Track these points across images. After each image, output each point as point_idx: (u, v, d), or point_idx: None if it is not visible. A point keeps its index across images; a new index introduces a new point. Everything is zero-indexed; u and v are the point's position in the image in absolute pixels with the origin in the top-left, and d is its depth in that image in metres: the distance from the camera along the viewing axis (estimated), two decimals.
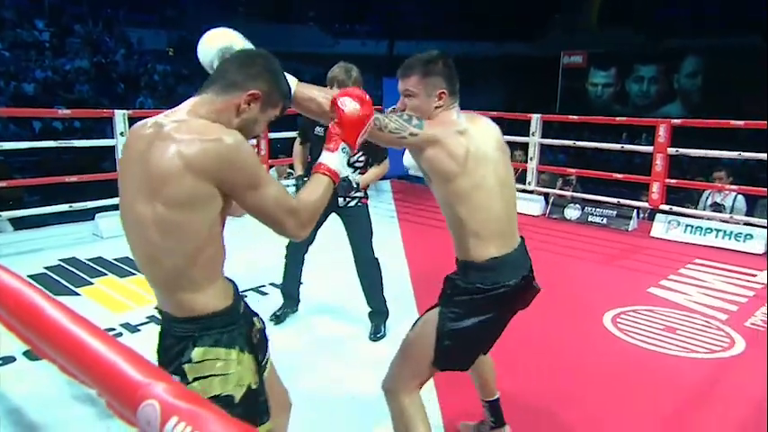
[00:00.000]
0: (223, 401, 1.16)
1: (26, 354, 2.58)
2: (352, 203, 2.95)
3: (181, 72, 15.57)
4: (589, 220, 5.45)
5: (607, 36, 15.04)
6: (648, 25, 14.82)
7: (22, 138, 8.99)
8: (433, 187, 1.71)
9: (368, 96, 1.41)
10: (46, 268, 3.90)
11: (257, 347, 1.33)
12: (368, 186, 2.99)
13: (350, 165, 2.93)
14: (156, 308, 1.29)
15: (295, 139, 3.16)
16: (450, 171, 1.60)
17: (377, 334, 2.94)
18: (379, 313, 2.99)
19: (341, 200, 2.89)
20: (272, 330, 2.90)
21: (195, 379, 1.15)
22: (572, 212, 5.58)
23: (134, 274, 3.68)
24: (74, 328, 0.51)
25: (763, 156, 5.02)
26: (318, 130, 2.87)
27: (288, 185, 3.99)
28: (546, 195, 5.88)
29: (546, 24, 16.87)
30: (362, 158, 2.95)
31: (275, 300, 3.24)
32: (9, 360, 2.57)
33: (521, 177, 6.06)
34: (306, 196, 1.30)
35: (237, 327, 1.25)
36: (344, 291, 3.30)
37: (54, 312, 0.55)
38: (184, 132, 1.16)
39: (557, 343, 2.94)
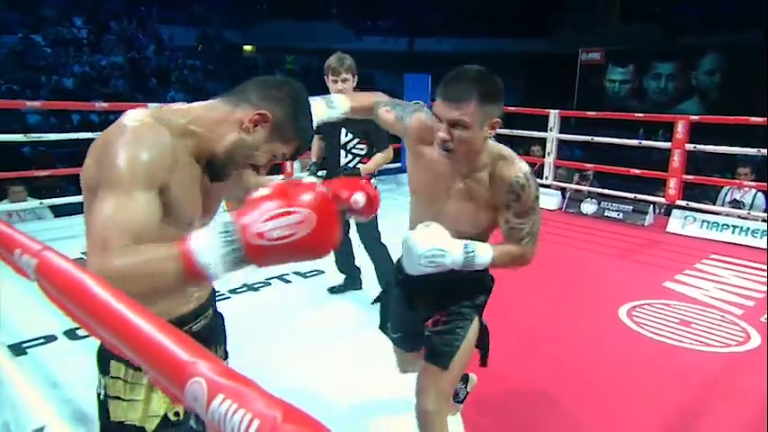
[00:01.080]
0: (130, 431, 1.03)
1: (66, 333, 2.66)
2: None
3: (207, 67, 15.70)
4: (605, 214, 5.39)
5: (625, 33, 14.75)
6: (667, 22, 14.50)
7: (62, 130, 9.17)
8: (472, 213, 1.52)
9: (310, 192, 0.83)
10: (82, 253, 3.99)
11: None
12: (371, 176, 2.92)
13: (348, 152, 2.94)
14: None
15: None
16: None
17: (334, 290, 3.22)
18: (347, 280, 3.26)
19: None
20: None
21: (107, 396, 1.04)
22: (588, 207, 5.52)
23: None
24: (122, 307, 0.52)
25: None
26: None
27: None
28: (563, 190, 5.83)
29: (564, 21, 16.60)
30: (362, 146, 2.93)
31: (298, 288, 3.28)
32: (51, 339, 2.65)
33: (538, 172, 6.01)
34: (131, 254, 0.81)
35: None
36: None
37: (103, 293, 0.56)
38: (129, 118, 0.97)
39: (572, 334, 2.93)
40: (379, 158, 2.95)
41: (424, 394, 1.58)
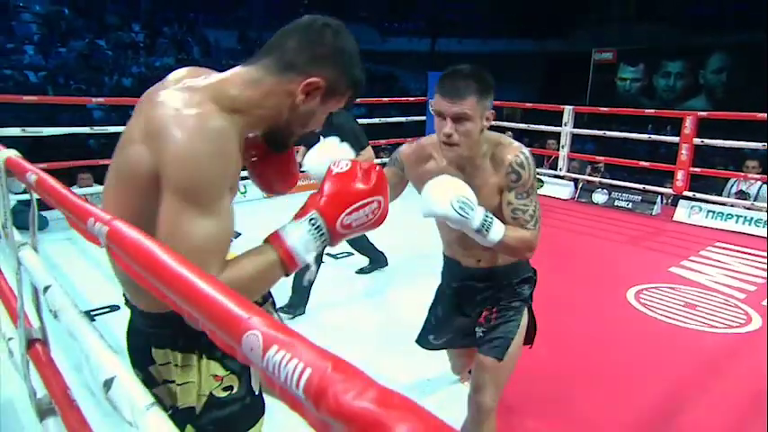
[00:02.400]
0: (184, 414, 0.92)
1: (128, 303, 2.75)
2: None
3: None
4: (615, 204, 5.27)
5: (636, 34, 14.27)
6: (677, 23, 13.99)
7: (122, 123, 9.37)
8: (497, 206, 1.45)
9: (378, 172, 0.87)
10: None
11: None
12: None
13: None
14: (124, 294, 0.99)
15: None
16: None
17: (363, 270, 3.31)
18: (372, 260, 3.31)
19: None
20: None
21: (165, 381, 0.92)
22: (599, 197, 5.40)
23: None
24: (185, 271, 0.54)
25: None
26: None
27: None
28: (575, 181, 5.72)
29: (579, 23, 16.15)
30: None
31: (331, 269, 3.30)
32: (115, 308, 2.74)
33: (553, 164, 5.90)
34: (234, 271, 0.78)
35: (175, 329, 0.87)
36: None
37: (167, 257, 0.58)
38: (171, 98, 0.81)
39: (583, 314, 2.89)
40: (360, 160, 2.85)
41: (481, 390, 1.49)
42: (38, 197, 1.18)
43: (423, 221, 1.42)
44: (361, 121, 7.30)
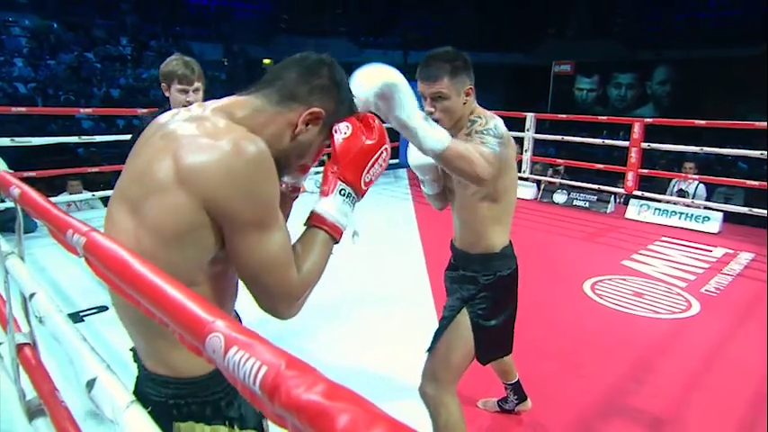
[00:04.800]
0: None
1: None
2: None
3: (232, 79, 15.61)
4: (574, 203, 5.39)
5: (591, 48, 14.65)
6: (626, 39, 14.44)
7: (110, 133, 9.17)
8: (465, 185, 1.39)
9: (377, 121, 0.88)
10: None
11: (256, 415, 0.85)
12: None
13: None
14: (132, 350, 0.86)
15: None
16: (508, 166, 1.38)
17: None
18: None
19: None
20: None
21: None
22: (559, 197, 5.51)
23: None
24: (156, 279, 0.54)
25: (720, 150, 4.90)
26: None
27: None
28: (538, 182, 5.82)
29: (540, 38, 16.47)
30: None
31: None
32: (103, 309, 2.67)
33: (517, 167, 5.99)
34: (307, 264, 0.78)
35: (226, 394, 0.80)
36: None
37: (140, 266, 0.58)
38: (193, 130, 0.73)
39: (544, 305, 2.95)
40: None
41: (423, 378, 1.49)
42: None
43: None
44: None
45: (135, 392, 0.82)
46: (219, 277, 0.77)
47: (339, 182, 0.83)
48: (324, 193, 0.83)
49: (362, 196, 0.86)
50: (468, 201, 1.44)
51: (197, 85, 2.02)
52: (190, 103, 1.89)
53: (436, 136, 1.21)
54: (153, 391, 0.79)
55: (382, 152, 0.86)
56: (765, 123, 4.36)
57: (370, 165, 0.84)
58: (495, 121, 1.36)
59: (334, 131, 0.85)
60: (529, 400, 1.90)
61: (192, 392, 0.77)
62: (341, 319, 2.62)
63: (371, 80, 1.13)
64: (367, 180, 0.85)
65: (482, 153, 1.26)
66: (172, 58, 2.06)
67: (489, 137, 1.31)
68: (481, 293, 1.45)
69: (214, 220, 0.70)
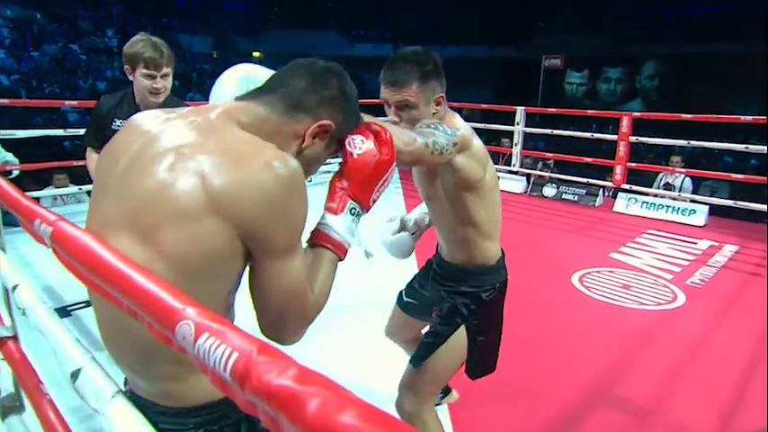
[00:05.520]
0: None
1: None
2: None
3: (221, 71, 15.42)
4: (563, 197, 5.42)
5: (581, 43, 14.71)
6: (616, 34, 14.53)
7: None
8: (443, 197, 1.27)
9: (389, 134, 0.82)
10: None
11: None
12: None
13: None
14: (127, 389, 0.77)
15: None
16: (479, 175, 1.22)
17: None
18: None
19: None
20: None
21: None
22: (549, 190, 5.54)
23: None
24: (123, 267, 0.53)
25: (706, 144, 4.96)
26: (119, 124, 1.80)
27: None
28: (528, 176, 5.85)
29: (531, 32, 16.49)
30: None
31: None
32: (90, 303, 2.64)
33: (507, 160, 6.02)
34: (317, 283, 0.74)
35: (234, 419, 0.73)
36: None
37: (107, 255, 0.57)
38: (214, 146, 0.65)
39: (533, 297, 2.97)
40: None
41: (400, 392, 1.38)
42: None
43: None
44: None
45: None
46: (228, 308, 0.72)
47: (350, 200, 0.77)
48: (332, 211, 0.77)
49: (367, 212, 0.82)
50: (454, 208, 1.29)
51: (166, 70, 1.79)
52: (157, 91, 1.76)
53: None
54: (173, 427, 0.71)
55: (392, 169, 0.82)
56: (750, 117, 4.41)
57: (381, 182, 0.80)
58: (461, 130, 1.19)
59: (347, 144, 0.80)
60: (454, 391, 1.80)
61: (224, 414, 0.71)
62: (338, 320, 2.61)
63: (231, 81, 1.00)
64: (375, 198, 0.81)
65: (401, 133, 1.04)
66: (137, 38, 1.81)
67: (436, 130, 1.12)
68: (479, 310, 1.34)
69: (246, 247, 0.65)
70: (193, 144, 0.65)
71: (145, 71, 1.76)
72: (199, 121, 0.70)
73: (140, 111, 1.84)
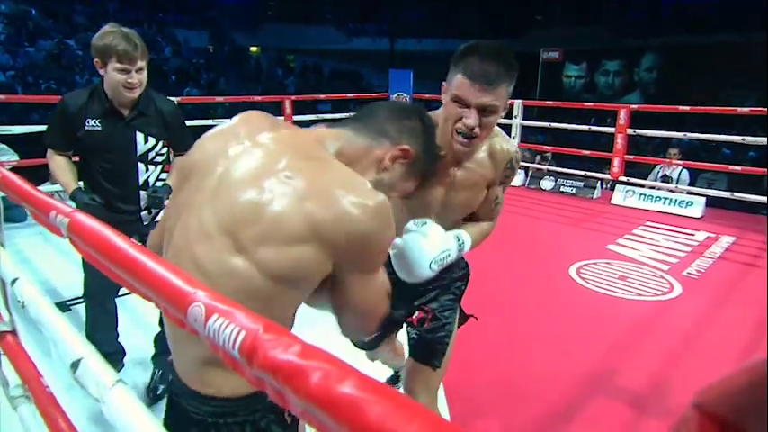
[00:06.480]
0: None
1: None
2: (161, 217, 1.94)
3: (218, 66, 15.39)
4: (561, 189, 5.44)
5: (579, 35, 14.68)
6: (614, 26, 14.50)
7: None
8: (460, 208, 1.23)
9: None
10: None
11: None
12: None
13: (150, 162, 1.81)
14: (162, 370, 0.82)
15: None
16: None
17: None
18: None
19: (145, 215, 1.83)
20: None
21: None
22: (547, 183, 5.57)
23: None
24: (138, 254, 0.55)
25: (703, 136, 4.98)
26: (93, 124, 1.70)
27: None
28: (526, 169, 5.86)
29: (529, 25, 16.45)
30: (164, 151, 1.85)
31: None
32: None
33: None
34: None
35: (265, 413, 0.76)
36: None
37: (122, 243, 0.59)
38: (316, 175, 0.70)
39: (531, 289, 3.00)
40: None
41: (417, 397, 1.30)
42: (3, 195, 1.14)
43: None
44: (326, 116, 7.17)
45: (169, 407, 0.80)
46: (295, 313, 0.78)
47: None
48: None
49: None
50: (461, 202, 1.24)
51: (141, 63, 1.66)
52: (132, 86, 1.65)
53: (466, 242, 1.16)
54: (193, 409, 0.75)
55: None
56: (747, 109, 4.43)
57: None
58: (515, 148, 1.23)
59: (380, 351, 0.83)
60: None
61: (233, 411, 0.74)
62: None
63: (423, 261, 1.06)
64: None
65: (491, 224, 1.23)
66: (107, 29, 1.67)
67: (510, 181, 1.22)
68: (465, 283, 1.36)
69: (336, 268, 0.72)
70: (293, 168, 0.70)
71: (118, 65, 1.64)
72: (296, 145, 0.75)
73: (114, 107, 1.71)
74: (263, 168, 0.70)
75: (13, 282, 1.01)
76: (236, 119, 0.81)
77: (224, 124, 0.82)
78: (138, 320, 2.45)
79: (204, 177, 0.73)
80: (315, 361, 0.32)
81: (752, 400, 0.25)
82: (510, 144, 1.22)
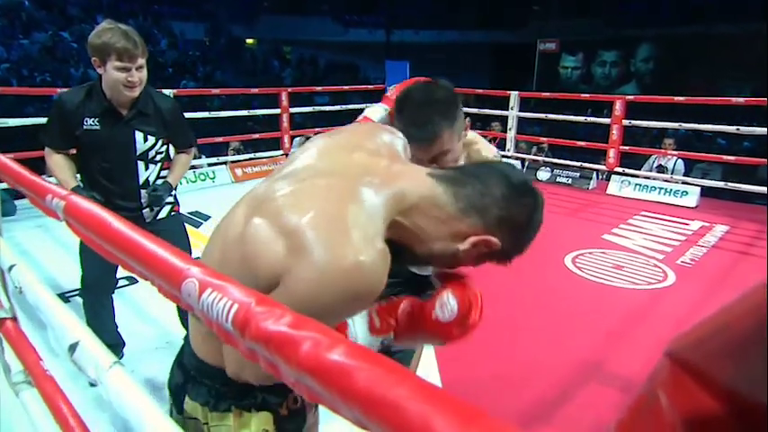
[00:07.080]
0: None
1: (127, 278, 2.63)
2: (164, 214, 1.84)
3: (214, 58, 15.28)
4: (557, 180, 5.45)
5: (576, 26, 14.62)
6: (610, 17, 14.45)
7: None
8: None
9: (480, 305, 0.77)
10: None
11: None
12: (176, 188, 1.88)
13: (150, 161, 1.79)
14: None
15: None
16: None
17: None
18: None
19: (147, 213, 1.80)
20: None
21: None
22: (543, 174, 5.58)
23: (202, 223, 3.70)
24: (133, 234, 0.56)
25: (699, 126, 4.99)
26: (91, 123, 1.68)
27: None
28: (522, 160, 5.87)
29: (525, 15, 16.37)
30: (163, 149, 1.82)
31: None
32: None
33: (500, 145, 6.03)
34: None
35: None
36: None
37: (118, 224, 0.60)
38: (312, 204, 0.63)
39: (527, 278, 3.02)
40: (186, 161, 1.92)
41: None
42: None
43: None
44: (324, 108, 7.13)
45: (177, 362, 0.79)
46: None
47: (387, 334, 0.74)
48: (371, 328, 0.73)
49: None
50: None
51: (141, 61, 1.62)
52: (132, 84, 1.61)
53: None
54: (189, 363, 0.75)
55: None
56: (743, 99, 4.43)
57: (422, 339, 0.76)
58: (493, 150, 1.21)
59: (437, 303, 0.73)
60: None
61: (208, 373, 0.71)
62: None
63: None
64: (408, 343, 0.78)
65: None
66: (104, 26, 1.61)
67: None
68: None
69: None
70: (315, 186, 0.66)
71: (118, 63, 1.60)
72: (367, 166, 0.70)
73: (112, 107, 1.69)
74: (298, 174, 0.68)
75: (11, 268, 1.02)
76: (349, 127, 0.79)
77: (342, 130, 0.81)
78: (137, 312, 2.46)
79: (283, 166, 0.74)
80: (305, 331, 0.33)
81: (718, 345, 0.26)
82: (489, 151, 1.21)
